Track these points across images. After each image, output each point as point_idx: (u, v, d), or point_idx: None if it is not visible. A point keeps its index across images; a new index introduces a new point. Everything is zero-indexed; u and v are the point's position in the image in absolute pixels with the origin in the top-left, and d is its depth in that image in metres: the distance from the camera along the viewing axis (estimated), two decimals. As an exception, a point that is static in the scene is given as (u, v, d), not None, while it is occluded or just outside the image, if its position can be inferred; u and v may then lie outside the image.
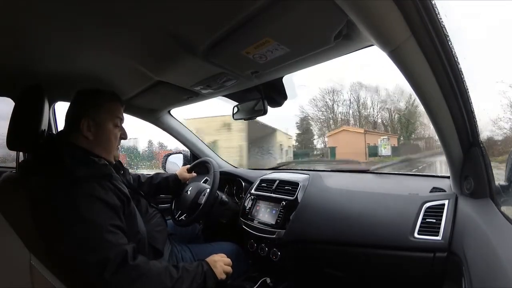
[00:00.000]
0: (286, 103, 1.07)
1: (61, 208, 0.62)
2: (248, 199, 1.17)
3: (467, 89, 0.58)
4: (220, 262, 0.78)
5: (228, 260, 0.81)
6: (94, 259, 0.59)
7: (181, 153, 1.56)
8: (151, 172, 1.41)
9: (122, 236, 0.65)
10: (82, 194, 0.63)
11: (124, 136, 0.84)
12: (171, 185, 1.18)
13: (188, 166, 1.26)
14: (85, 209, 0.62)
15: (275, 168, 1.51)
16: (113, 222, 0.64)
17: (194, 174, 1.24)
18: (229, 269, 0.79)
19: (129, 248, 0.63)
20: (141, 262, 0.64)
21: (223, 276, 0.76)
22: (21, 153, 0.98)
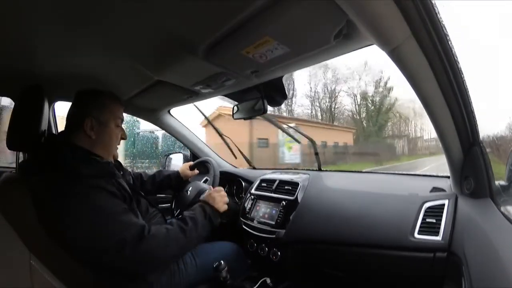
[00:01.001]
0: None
1: (71, 203, 0.63)
2: (248, 199, 1.17)
3: (467, 89, 0.58)
4: (215, 194, 0.84)
5: (221, 188, 0.89)
6: (113, 241, 0.62)
7: (180, 152, 1.56)
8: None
9: (134, 216, 0.69)
10: (89, 187, 0.65)
11: (124, 136, 0.84)
12: (173, 182, 1.20)
13: (191, 163, 1.27)
14: (94, 199, 0.64)
15: (276, 168, 1.51)
16: (123, 206, 0.68)
17: (196, 171, 1.25)
18: (226, 199, 0.85)
19: (143, 223, 0.68)
20: (155, 231, 0.68)
21: (225, 207, 0.83)
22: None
